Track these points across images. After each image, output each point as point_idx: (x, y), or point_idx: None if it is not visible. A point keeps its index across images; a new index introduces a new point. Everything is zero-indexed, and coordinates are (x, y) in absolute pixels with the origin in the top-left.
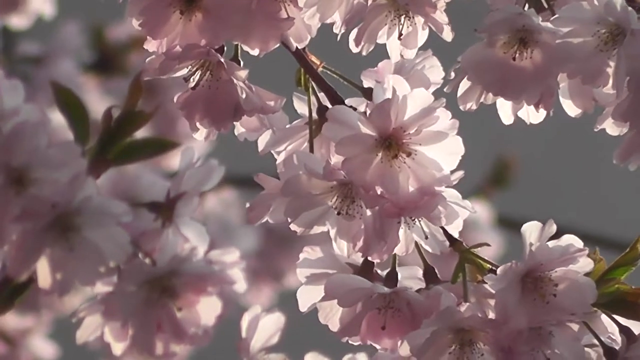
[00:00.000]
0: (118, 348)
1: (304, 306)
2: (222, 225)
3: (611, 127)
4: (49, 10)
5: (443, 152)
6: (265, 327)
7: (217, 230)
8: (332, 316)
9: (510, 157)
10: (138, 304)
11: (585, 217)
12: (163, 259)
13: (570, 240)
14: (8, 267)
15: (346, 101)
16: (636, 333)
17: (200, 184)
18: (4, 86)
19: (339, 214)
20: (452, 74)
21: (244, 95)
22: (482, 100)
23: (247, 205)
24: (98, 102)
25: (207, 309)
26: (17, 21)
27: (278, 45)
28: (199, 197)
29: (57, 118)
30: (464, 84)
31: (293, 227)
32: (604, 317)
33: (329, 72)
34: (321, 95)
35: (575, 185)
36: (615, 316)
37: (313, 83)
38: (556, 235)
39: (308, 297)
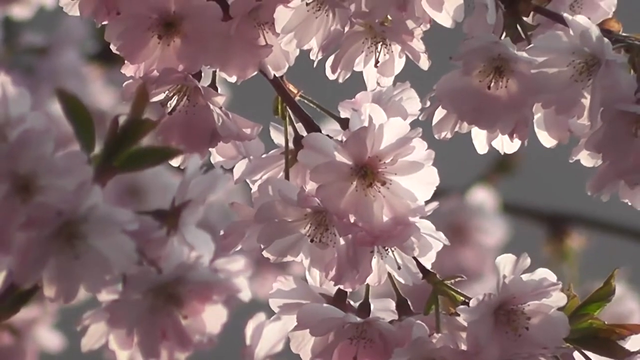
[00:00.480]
0: (123, 356)
1: (272, 341)
2: (225, 213)
3: (586, 158)
4: (50, 0)
5: (418, 183)
6: (269, 334)
7: (219, 218)
8: (304, 346)
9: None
10: (143, 312)
11: (590, 204)
12: (168, 267)
13: (544, 274)
14: (14, 274)
15: (323, 130)
16: None
17: (206, 192)
18: (10, 94)
19: (312, 241)
20: (427, 102)
21: (220, 122)
22: (457, 129)
23: (221, 232)
24: (102, 92)
25: (212, 317)
26: (19, 11)
27: (256, 73)
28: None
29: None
30: (439, 112)
31: (265, 254)
32: (576, 354)
33: (306, 101)
34: (298, 125)
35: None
36: (587, 352)
37: (290, 112)
38: (562, 223)
39: (280, 326)
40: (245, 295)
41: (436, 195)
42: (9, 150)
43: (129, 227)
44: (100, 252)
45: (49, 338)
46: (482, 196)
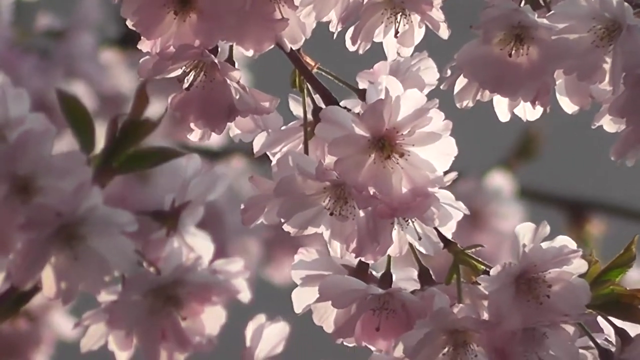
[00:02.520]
0: (122, 357)
1: (298, 308)
2: (233, 195)
3: (609, 123)
4: None
5: (436, 153)
6: (269, 336)
7: (227, 200)
8: (327, 318)
9: (536, 129)
10: (142, 313)
11: (611, 190)
12: (167, 268)
13: (564, 241)
14: (13, 275)
15: (341, 103)
16: (632, 335)
17: (205, 193)
18: (9, 95)
19: (331, 214)
20: (448, 72)
21: (237, 96)
22: (478, 97)
23: (241, 206)
24: (123, 76)
25: (211, 319)
26: None
27: (273, 46)
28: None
29: (71, 91)
30: (460, 82)
31: (286, 227)
32: (599, 319)
33: (324, 73)
34: (317, 97)
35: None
36: (610, 318)
37: (308, 84)
38: (582, 209)
39: (303, 298)
40: (245, 296)
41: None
42: (8, 151)
43: (128, 229)
44: (99, 253)
45: (65, 324)
46: (500, 181)
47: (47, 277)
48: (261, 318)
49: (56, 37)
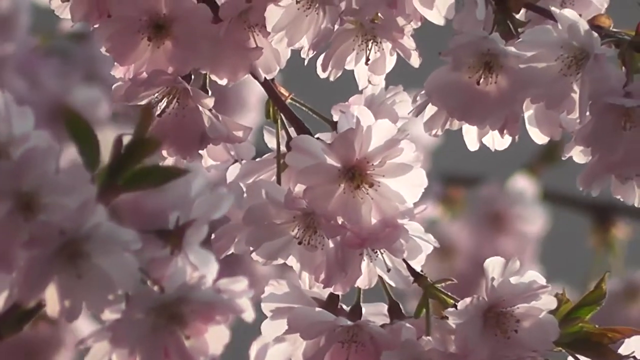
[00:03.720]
0: None
1: (269, 339)
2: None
3: (578, 155)
4: None
5: (407, 185)
6: (273, 356)
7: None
8: (296, 350)
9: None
10: (146, 332)
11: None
12: (171, 287)
13: (533, 276)
14: (17, 293)
15: (315, 135)
16: None
17: (210, 211)
18: (13, 111)
19: (300, 243)
20: (418, 99)
21: (209, 124)
22: (447, 125)
23: (212, 236)
24: None
25: (215, 338)
26: None
27: (246, 75)
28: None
29: (91, 94)
30: (430, 109)
31: (255, 257)
32: (569, 359)
33: (297, 104)
34: (291, 129)
35: None
36: (579, 356)
37: (282, 115)
38: (607, 213)
39: (273, 331)
40: (249, 315)
41: (478, 183)
42: (13, 168)
43: (132, 247)
44: (103, 271)
45: (87, 328)
46: (523, 184)
47: (51, 294)
48: (265, 338)
49: (77, 40)
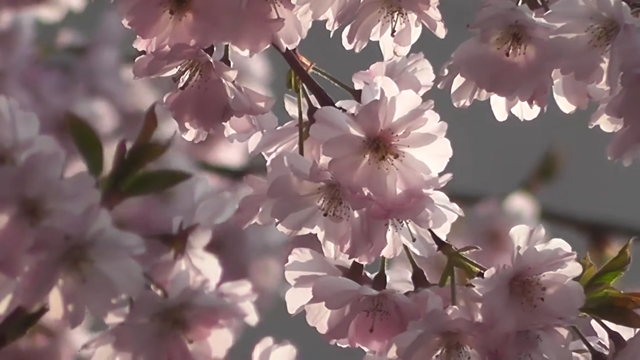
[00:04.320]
0: None
1: (292, 308)
2: None
3: (605, 123)
4: (78, 2)
5: (431, 155)
6: (276, 359)
7: None
8: (320, 319)
9: (558, 151)
10: (149, 336)
11: (632, 213)
12: (175, 291)
13: (559, 244)
14: (21, 297)
15: (337, 103)
16: (625, 338)
17: (214, 216)
18: (18, 117)
19: (325, 215)
20: (445, 71)
21: (232, 96)
22: (475, 96)
23: (236, 207)
24: (144, 94)
25: (218, 342)
26: (48, 13)
27: (268, 46)
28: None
29: (94, 108)
30: (457, 81)
31: (280, 228)
32: (593, 322)
33: (319, 73)
34: (312, 97)
35: (621, 180)
36: (604, 321)
37: (303, 84)
38: (603, 232)
39: (296, 299)
40: (252, 319)
41: (475, 201)
42: (17, 174)
43: (136, 251)
44: (107, 276)
45: (83, 340)
46: (521, 203)
47: (55, 299)
48: (268, 341)
49: (78, 54)
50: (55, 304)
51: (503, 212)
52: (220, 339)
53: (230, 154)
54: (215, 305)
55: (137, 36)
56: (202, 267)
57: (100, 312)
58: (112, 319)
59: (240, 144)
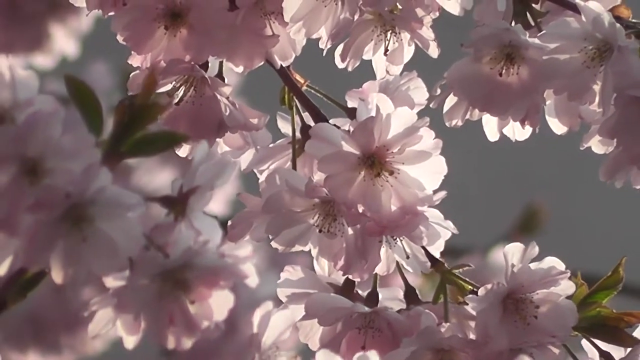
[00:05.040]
0: (130, 341)
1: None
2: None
3: (597, 145)
4: (73, 50)
5: (426, 172)
6: (276, 323)
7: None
8: (312, 335)
9: (539, 204)
10: (150, 298)
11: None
12: (176, 252)
13: (552, 262)
14: (22, 257)
15: (330, 121)
16: (616, 358)
17: (214, 178)
18: (17, 77)
19: (320, 231)
20: (438, 90)
21: (227, 112)
22: (467, 116)
23: (229, 223)
24: None
25: (219, 303)
26: (42, 61)
27: (263, 62)
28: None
29: None
30: (450, 100)
31: (274, 244)
32: (584, 342)
33: (313, 91)
34: (305, 114)
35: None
36: (595, 340)
37: (297, 102)
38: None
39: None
40: (253, 281)
41: (458, 254)
42: (17, 132)
43: (137, 210)
44: (108, 235)
45: None
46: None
47: (56, 260)
48: (268, 305)
49: (64, 103)
50: (56, 266)
51: (487, 265)
52: (221, 300)
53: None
54: (216, 266)
55: (132, 52)
56: (203, 228)
57: (101, 272)
58: (113, 282)
59: (222, 194)
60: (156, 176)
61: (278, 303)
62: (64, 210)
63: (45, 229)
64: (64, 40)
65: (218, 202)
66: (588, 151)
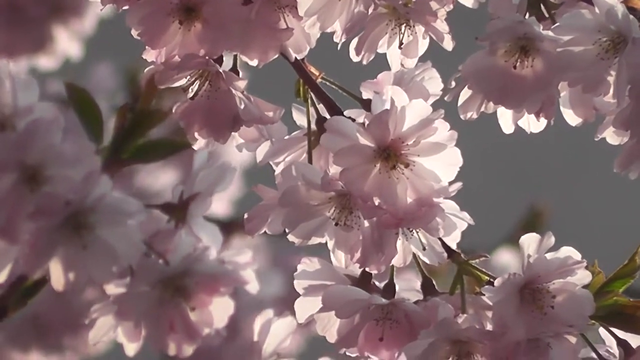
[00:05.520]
0: (131, 348)
1: (301, 317)
2: None
3: (611, 136)
4: (76, 51)
5: (441, 164)
6: (277, 331)
7: None
8: (330, 327)
9: (542, 206)
10: (151, 304)
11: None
12: (176, 258)
13: (568, 252)
14: (22, 264)
15: (345, 112)
16: (634, 346)
17: (214, 184)
18: (18, 83)
19: (336, 224)
20: (453, 83)
21: (242, 106)
22: (482, 109)
23: (245, 216)
24: None
25: (219, 309)
26: (45, 62)
27: (277, 55)
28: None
29: None
30: (465, 93)
31: (291, 237)
32: (601, 330)
33: (328, 83)
34: (320, 106)
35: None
36: (613, 329)
37: (312, 94)
38: None
39: (306, 308)
40: (253, 287)
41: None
42: (18, 140)
43: (137, 217)
44: (108, 243)
45: None
46: (508, 257)
47: (56, 267)
48: (269, 313)
49: (66, 106)
50: (56, 273)
51: (490, 267)
52: (221, 307)
53: (215, 206)
54: (217, 272)
55: (146, 46)
56: (203, 235)
57: (101, 279)
58: (113, 289)
59: (225, 195)
60: (159, 178)
61: (280, 304)
62: (64, 218)
63: (46, 236)
64: (67, 42)
65: (221, 202)
66: (592, 151)
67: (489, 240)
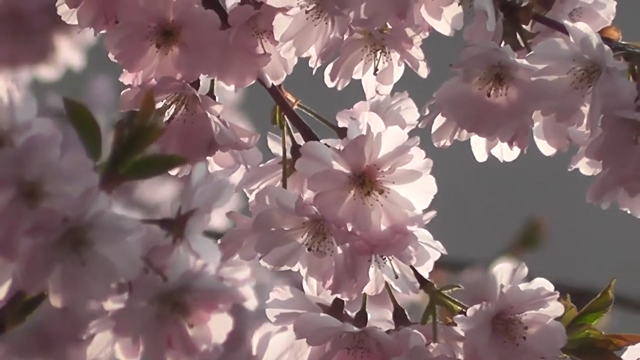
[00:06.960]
0: None
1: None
2: None
3: (585, 166)
4: (78, 61)
5: (416, 191)
6: (276, 345)
7: None
8: (302, 355)
9: (541, 218)
10: (149, 320)
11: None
12: (174, 275)
13: (541, 283)
14: (20, 281)
15: (321, 141)
16: None
17: (212, 200)
18: (16, 100)
19: (309, 250)
20: (427, 110)
21: (218, 130)
22: (456, 137)
23: (219, 242)
24: None
25: (218, 326)
26: (47, 73)
27: (254, 81)
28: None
29: None
30: (439, 120)
31: (263, 263)
32: None
33: (304, 110)
34: (296, 135)
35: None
36: None
37: (288, 121)
38: (586, 298)
39: (278, 342)
40: (251, 303)
41: (460, 268)
42: (16, 156)
43: (135, 234)
44: (106, 259)
45: None
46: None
47: (54, 284)
48: (268, 327)
49: (65, 120)
50: (54, 289)
51: (489, 278)
52: (220, 323)
53: (214, 220)
54: (215, 289)
55: (124, 69)
56: (201, 251)
57: (100, 296)
58: (111, 305)
59: (223, 210)
60: (158, 190)
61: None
62: (62, 234)
63: (44, 253)
64: (68, 53)
65: (219, 217)
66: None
67: (487, 252)
